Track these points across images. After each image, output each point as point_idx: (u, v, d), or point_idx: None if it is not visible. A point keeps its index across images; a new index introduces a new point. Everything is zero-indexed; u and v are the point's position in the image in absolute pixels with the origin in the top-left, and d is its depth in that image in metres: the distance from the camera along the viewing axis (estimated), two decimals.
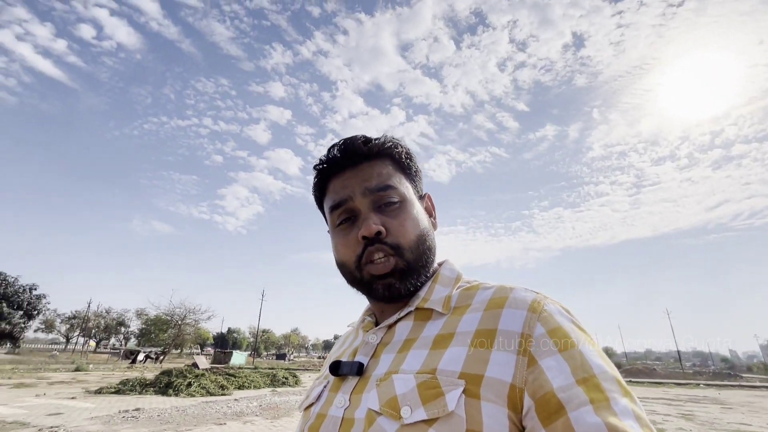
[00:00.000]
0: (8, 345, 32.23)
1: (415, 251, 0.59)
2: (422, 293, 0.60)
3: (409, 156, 0.67)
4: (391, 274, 0.57)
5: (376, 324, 0.65)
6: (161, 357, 33.80)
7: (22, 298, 29.59)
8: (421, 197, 0.68)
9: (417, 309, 0.59)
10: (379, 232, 0.57)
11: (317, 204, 0.70)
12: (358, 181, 0.61)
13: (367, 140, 0.63)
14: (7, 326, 28.96)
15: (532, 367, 0.45)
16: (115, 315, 52.35)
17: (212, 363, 32.02)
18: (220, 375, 15.20)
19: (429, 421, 0.44)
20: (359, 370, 0.56)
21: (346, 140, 0.64)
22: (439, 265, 0.68)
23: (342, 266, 0.63)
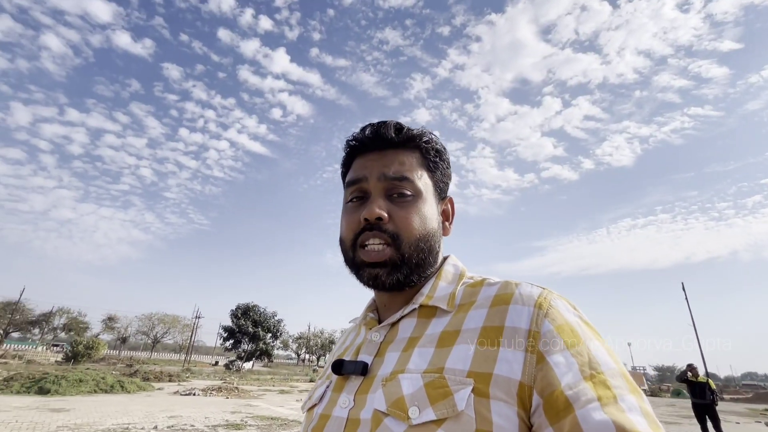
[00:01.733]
0: (265, 360, 43.26)
1: (413, 247, 0.57)
2: (425, 290, 0.59)
3: (439, 154, 0.65)
4: (381, 264, 0.56)
5: (379, 321, 0.64)
6: None
7: (270, 323, 39.80)
8: (441, 198, 0.66)
9: (421, 306, 0.58)
10: (380, 218, 0.57)
11: (342, 178, 0.69)
12: (378, 165, 0.61)
13: (399, 127, 0.63)
14: (263, 346, 39.38)
15: (541, 365, 0.44)
16: (327, 335, 63.23)
17: None
18: None
19: (438, 422, 0.44)
20: (363, 369, 0.55)
21: (379, 123, 0.64)
22: (444, 260, 0.66)
23: (341, 243, 0.63)
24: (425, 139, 0.64)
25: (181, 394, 14.86)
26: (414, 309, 0.58)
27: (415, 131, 0.64)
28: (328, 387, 0.60)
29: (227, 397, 14.97)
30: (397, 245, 0.57)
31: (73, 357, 28.57)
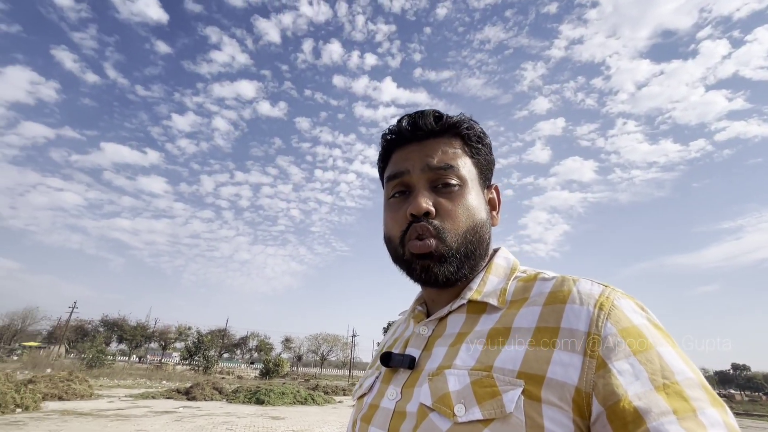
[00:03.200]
0: None
1: (461, 239, 0.55)
2: (475, 285, 0.57)
3: (480, 140, 0.62)
4: (429, 255, 0.54)
5: (428, 315, 0.63)
6: None
7: None
8: (486, 187, 0.64)
9: (470, 302, 0.56)
10: (427, 212, 0.55)
11: (380, 174, 0.67)
12: (420, 155, 0.59)
13: (438, 116, 0.60)
14: None
15: (602, 371, 0.41)
16: None
17: None
18: None
19: (485, 422, 0.42)
20: (411, 363, 0.55)
21: (416, 113, 0.61)
22: (494, 253, 0.63)
23: (388, 241, 0.61)
24: (466, 125, 0.61)
25: None
26: (463, 304, 0.57)
27: (454, 118, 0.61)
28: (377, 378, 0.60)
29: None
30: (443, 238, 0.54)
31: (267, 373, 34.28)
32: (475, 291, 0.56)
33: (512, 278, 0.58)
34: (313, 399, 16.69)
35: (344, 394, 22.98)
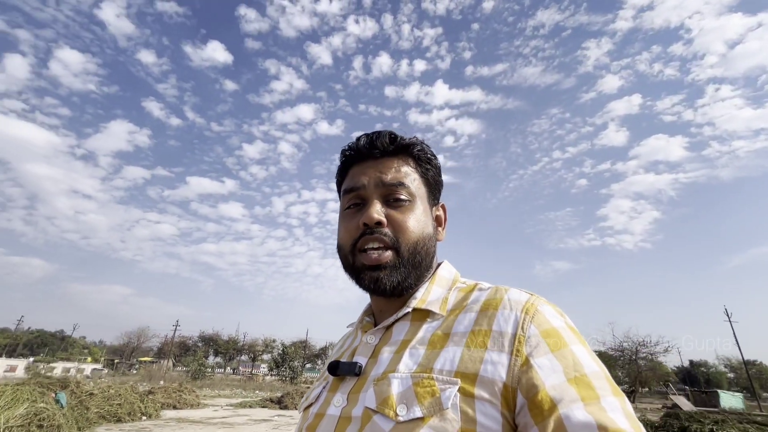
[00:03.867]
0: None
1: (411, 250, 0.60)
2: (419, 294, 0.61)
3: (430, 162, 0.68)
4: (381, 267, 0.58)
5: (375, 325, 0.66)
6: (631, 396, 32.16)
7: None
8: (434, 205, 0.69)
9: (414, 310, 0.60)
10: (379, 222, 0.59)
11: (337, 187, 0.72)
12: (375, 171, 0.63)
13: (393, 137, 0.65)
14: None
15: (525, 367, 0.46)
16: None
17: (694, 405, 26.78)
18: (750, 423, 12.10)
19: (424, 419, 0.46)
20: (358, 370, 0.57)
21: (374, 133, 0.67)
22: (438, 265, 0.68)
23: (339, 249, 0.65)
24: (418, 147, 0.67)
25: None
26: (408, 312, 0.60)
27: (408, 140, 0.66)
28: (324, 387, 0.62)
29: None
30: (396, 248, 0.59)
31: None
32: (419, 300, 0.60)
33: (453, 288, 0.63)
34: None
35: None
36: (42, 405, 7.34)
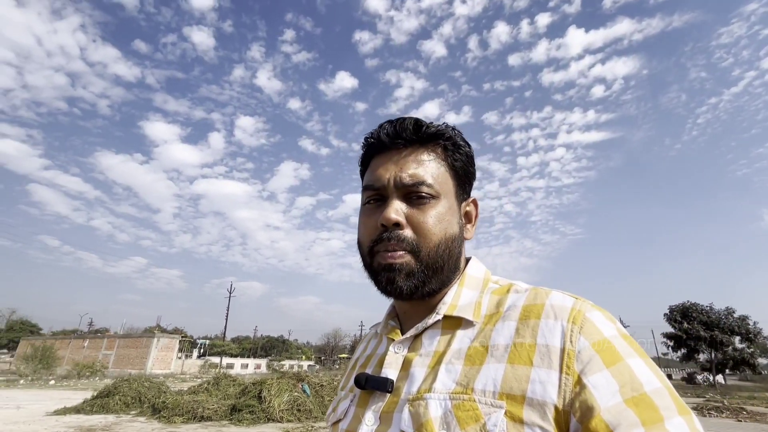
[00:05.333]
0: (744, 371, 32.80)
1: (432, 253, 0.54)
2: (449, 299, 0.56)
3: (460, 151, 0.61)
4: (397, 269, 0.53)
5: (401, 329, 0.60)
6: None
7: (729, 323, 30.49)
8: (464, 200, 0.63)
9: (445, 317, 0.55)
10: (397, 224, 0.54)
11: (361, 176, 0.66)
12: (397, 166, 0.57)
13: (418, 125, 0.58)
14: (735, 353, 30.10)
15: (578, 387, 0.41)
16: None
17: None
18: None
19: None
20: (390, 387, 0.52)
21: (397, 121, 0.60)
22: (466, 263, 0.62)
23: (359, 246, 0.60)
24: (447, 135, 0.60)
25: None
26: (438, 320, 0.55)
27: (436, 128, 0.59)
28: (352, 401, 0.57)
29: (738, 420, 11.76)
30: (416, 251, 0.54)
31: None
32: (449, 306, 0.55)
33: (485, 290, 0.57)
34: None
35: None
36: (296, 394, 9.37)
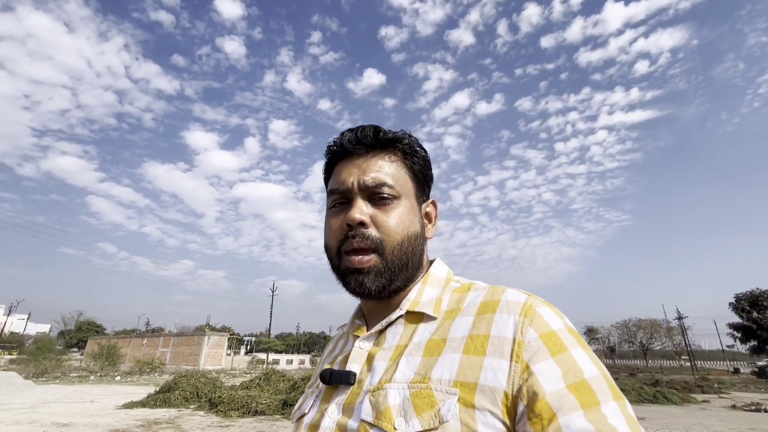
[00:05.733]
0: None
1: (396, 251, 0.57)
2: (412, 295, 0.59)
3: (417, 155, 0.65)
4: (366, 271, 0.56)
5: (367, 328, 0.62)
6: None
7: None
8: (423, 201, 0.66)
9: (407, 312, 0.58)
10: (362, 223, 0.56)
11: (325, 183, 0.69)
12: (360, 170, 0.60)
13: (378, 131, 0.62)
14: None
15: (526, 374, 0.44)
16: None
17: None
18: None
19: None
20: (351, 379, 0.55)
21: (358, 129, 0.63)
22: (430, 264, 0.65)
23: (327, 250, 0.62)
24: (405, 141, 0.63)
25: (745, 410, 12.09)
26: (401, 315, 0.58)
27: (394, 134, 0.63)
28: (317, 397, 0.59)
29: None
30: (381, 250, 0.56)
31: None
32: (412, 302, 0.58)
33: (447, 288, 0.60)
34: (665, 397, 13.91)
35: (702, 392, 18.12)
36: None
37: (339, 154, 0.65)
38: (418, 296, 0.59)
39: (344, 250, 0.58)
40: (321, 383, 0.59)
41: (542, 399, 0.42)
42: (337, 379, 0.56)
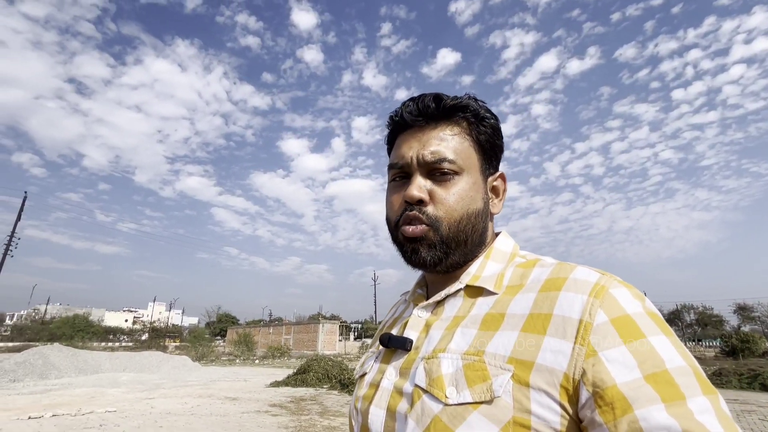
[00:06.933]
0: None
1: (453, 228, 0.56)
2: (473, 269, 0.58)
3: (484, 123, 0.60)
4: (419, 240, 0.56)
5: (427, 297, 0.63)
6: None
7: None
8: (489, 174, 0.62)
9: (467, 286, 0.57)
10: (420, 201, 0.56)
11: (388, 153, 0.67)
12: (419, 144, 0.59)
13: (438, 99, 0.59)
14: None
15: (592, 359, 0.41)
16: None
17: None
18: None
19: (474, 404, 0.44)
20: (408, 345, 0.56)
21: (418, 97, 0.61)
22: (494, 237, 0.64)
23: (388, 222, 0.62)
24: (471, 108, 0.60)
25: None
26: (460, 289, 0.57)
27: (457, 101, 0.59)
28: (377, 358, 0.61)
29: None
30: (437, 227, 0.56)
31: (732, 352, 27.03)
32: (472, 276, 0.57)
33: (511, 264, 0.58)
34: None
35: None
36: None
37: (400, 126, 0.62)
38: (479, 270, 0.58)
39: (402, 222, 0.58)
40: (381, 346, 0.61)
41: (613, 387, 0.39)
42: (395, 344, 0.57)
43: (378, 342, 0.63)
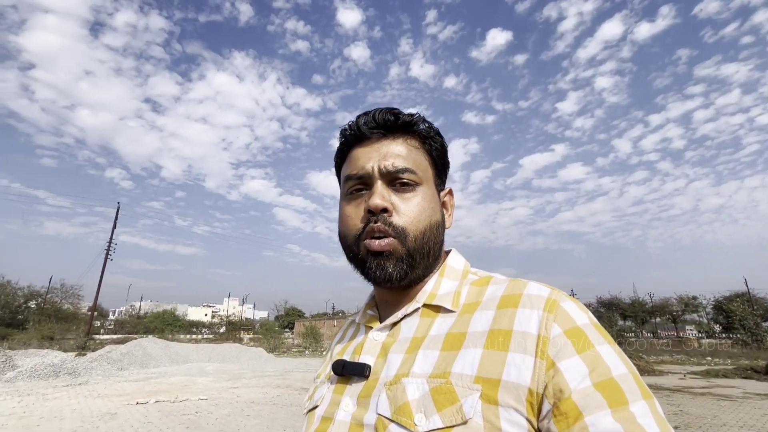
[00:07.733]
0: None
1: (419, 240, 0.55)
2: (429, 287, 0.57)
3: (436, 140, 0.62)
4: (386, 255, 0.54)
5: (380, 319, 0.61)
6: None
7: None
8: (441, 189, 0.64)
9: (424, 305, 0.56)
10: (385, 209, 0.54)
11: (336, 169, 0.67)
12: (379, 154, 0.58)
13: (397, 114, 0.59)
14: None
15: (551, 370, 0.43)
16: None
17: None
18: None
19: (445, 429, 0.43)
20: (367, 372, 0.53)
21: (374, 111, 0.60)
22: (446, 255, 0.63)
23: (343, 238, 0.59)
24: (424, 125, 0.61)
25: None
26: (417, 308, 0.56)
27: (412, 117, 0.60)
28: (329, 388, 0.57)
29: None
30: (404, 239, 0.54)
31: None
32: (429, 294, 0.56)
33: (465, 281, 0.58)
34: None
35: None
36: None
37: (355, 138, 0.61)
38: (435, 288, 0.57)
39: (364, 237, 0.55)
40: (333, 374, 0.57)
41: (569, 397, 0.40)
42: (352, 371, 0.54)
43: (330, 370, 0.58)
